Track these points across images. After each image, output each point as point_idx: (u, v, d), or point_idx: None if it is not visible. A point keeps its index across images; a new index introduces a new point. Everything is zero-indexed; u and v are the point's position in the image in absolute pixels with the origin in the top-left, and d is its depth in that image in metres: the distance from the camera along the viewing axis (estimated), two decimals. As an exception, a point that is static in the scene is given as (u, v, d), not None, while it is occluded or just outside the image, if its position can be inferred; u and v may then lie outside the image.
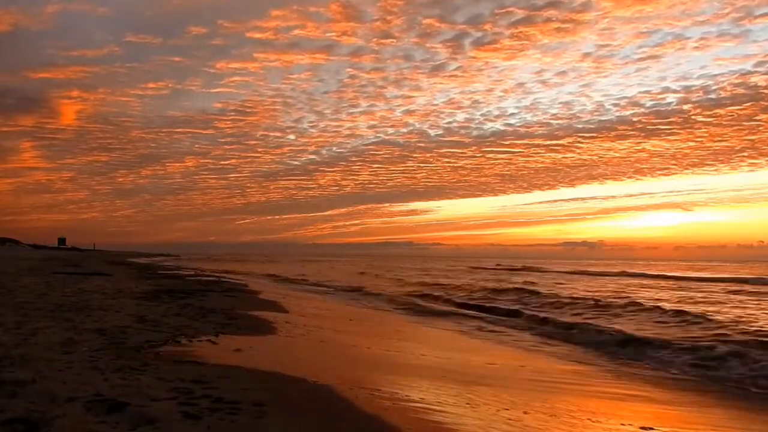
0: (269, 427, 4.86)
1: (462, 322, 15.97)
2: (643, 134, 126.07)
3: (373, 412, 5.55)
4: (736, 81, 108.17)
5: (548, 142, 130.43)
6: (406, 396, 6.47)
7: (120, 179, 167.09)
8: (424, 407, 6.00)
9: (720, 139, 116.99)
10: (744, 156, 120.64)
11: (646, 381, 8.91)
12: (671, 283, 36.80)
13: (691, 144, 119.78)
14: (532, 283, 32.87)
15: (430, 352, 10.45)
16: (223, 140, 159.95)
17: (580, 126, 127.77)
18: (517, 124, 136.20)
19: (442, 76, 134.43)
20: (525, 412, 6.17)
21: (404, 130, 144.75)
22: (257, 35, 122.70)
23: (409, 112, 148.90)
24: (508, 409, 6.25)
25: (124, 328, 9.62)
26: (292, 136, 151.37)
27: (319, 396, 6.10)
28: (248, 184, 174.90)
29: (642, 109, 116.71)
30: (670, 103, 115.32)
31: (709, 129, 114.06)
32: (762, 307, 19.77)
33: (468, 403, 6.44)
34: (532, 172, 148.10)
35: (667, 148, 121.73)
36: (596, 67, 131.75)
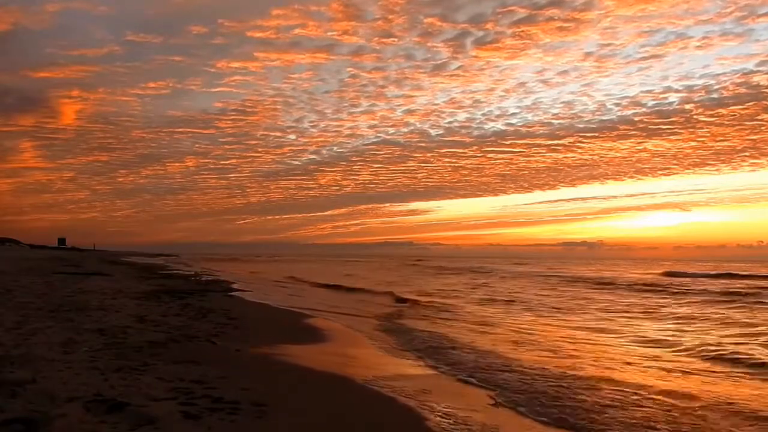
0: (270, 427, 4.87)
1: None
2: (644, 134, 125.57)
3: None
4: (739, 80, 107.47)
5: (549, 142, 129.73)
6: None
7: (120, 179, 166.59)
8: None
9: (722, 138, 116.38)
10: (746, 156, 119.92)
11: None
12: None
13: (693, 144, 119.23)
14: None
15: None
16: (223, 140, 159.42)
17: (582, 126, 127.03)
18: (519, 124, 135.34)
19: (443, 76, 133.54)
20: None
21: (405, 129, 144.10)
22: (258, 34, 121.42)
23: (410, 112, 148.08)
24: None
25: (125, 328, 9.62)
26: (292, 136, 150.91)
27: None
28: (248, 184, 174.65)
29: (644, 109, 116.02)
30: (672, 103, 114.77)
31: (711, 129, 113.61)
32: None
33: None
34: (533, 172, 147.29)
35: (669, 148, 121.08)
36: (598, 66, 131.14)
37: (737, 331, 13.69)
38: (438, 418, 5.78)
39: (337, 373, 7.69)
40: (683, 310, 18.64)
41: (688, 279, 37.51)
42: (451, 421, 5.71)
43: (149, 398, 5.33)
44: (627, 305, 20.32)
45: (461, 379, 7.90)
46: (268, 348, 9.08)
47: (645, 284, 31.59)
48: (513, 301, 21.72)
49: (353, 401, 6.27)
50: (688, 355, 10.30)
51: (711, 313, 17.72)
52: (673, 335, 12.84)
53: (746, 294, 24.16)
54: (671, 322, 15.58)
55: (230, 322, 11.51)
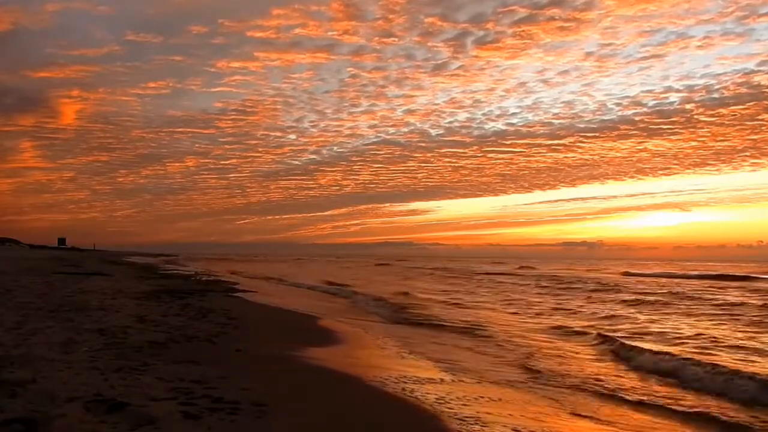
0: (270, 427, 4.86)
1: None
2: (645, 134, 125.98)
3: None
4: (739, 80, 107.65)
5: (550, 142, 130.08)
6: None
7: (120, 179, 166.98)
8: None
9: (722, 138, 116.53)
10: (746, 156, 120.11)
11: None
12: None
13: (694, 144, 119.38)
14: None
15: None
16: (223, 140, 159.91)
17: (582, 125, 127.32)
18: (519, 124, 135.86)
19: (443, 76, 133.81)
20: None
21: (405, 129, 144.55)
22: (258, 34, 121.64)
23: (410, 112, 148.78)
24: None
25: (125, 328, 9.62)
26: (292, 136, 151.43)
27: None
28: (248, 184, 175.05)
29: (644, 109, 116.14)
30: (672, 103, 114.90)
31: (712, 128, 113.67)
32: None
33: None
34: (533, 171, 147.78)
35: (669, 148, 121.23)
36: (599, 66, 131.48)
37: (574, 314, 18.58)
38: (448, 419, 5.78)
39: (338, 373, 7.69)
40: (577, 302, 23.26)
41: (633, 278, 44.20)
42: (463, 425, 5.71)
43: (149, 398, 5.33)
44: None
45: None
46: (268, 348, 9.08)
47: (587, 281, 37.66)
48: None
49: (353, 401, 6.27)
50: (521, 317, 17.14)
51: (593, 304, 22.12)
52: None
53: (676, 293, 26.57)
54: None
55: (230, 322, 11.50)
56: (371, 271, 56.53)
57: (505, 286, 33.20)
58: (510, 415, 6.24)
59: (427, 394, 6.77)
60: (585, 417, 6.69)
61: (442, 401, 6.44)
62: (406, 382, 7.34)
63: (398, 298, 22.54)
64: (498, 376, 8.71)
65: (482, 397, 7.00)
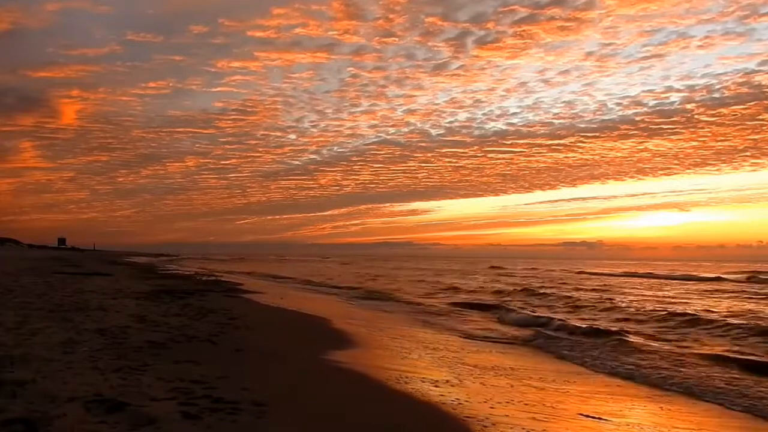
0: (270, 427, 4.86)
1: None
2: (645, 134, 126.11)
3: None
4: (740, 80, 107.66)
5: (550, 142, 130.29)
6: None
7: (120, 179, 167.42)
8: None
9: (723, 138, 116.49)
10: (747, 156, 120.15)
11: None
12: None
13: (694, 144, 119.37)
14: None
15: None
16: (223, 140, 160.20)
17: (583, 125, 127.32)
18: (519, 124, 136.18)
19: (444, 75, 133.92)
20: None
21: (405, 129, 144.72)
22: (258, 34, 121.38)
23: (410, 112, 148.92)
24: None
25: (125, 328, 9.61)
26: (292, 136, 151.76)
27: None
28: (249, 184, 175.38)
29: (645, 109, 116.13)
30: (673, 103, 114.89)
31: (712, 128, 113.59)
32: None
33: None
34: (533, 171, 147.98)
35: (670, 148, 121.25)
36: (599, 66, 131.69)
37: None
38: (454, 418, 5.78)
39: (338, 372, 7.69)
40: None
41: (583, 275, 50.65)
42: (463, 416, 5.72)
43: (149, 398, 5.32)
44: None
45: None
46: (268, 348, 9.08)
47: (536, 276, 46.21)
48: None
49: (354, 400, 6.26)
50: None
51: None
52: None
53: (594, 289, 30.35)
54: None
55: (230, 322, 11.49)
56: (349, 269, 61.47)
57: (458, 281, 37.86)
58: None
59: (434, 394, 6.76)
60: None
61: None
62: (407, 382, 7.35)
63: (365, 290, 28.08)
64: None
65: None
